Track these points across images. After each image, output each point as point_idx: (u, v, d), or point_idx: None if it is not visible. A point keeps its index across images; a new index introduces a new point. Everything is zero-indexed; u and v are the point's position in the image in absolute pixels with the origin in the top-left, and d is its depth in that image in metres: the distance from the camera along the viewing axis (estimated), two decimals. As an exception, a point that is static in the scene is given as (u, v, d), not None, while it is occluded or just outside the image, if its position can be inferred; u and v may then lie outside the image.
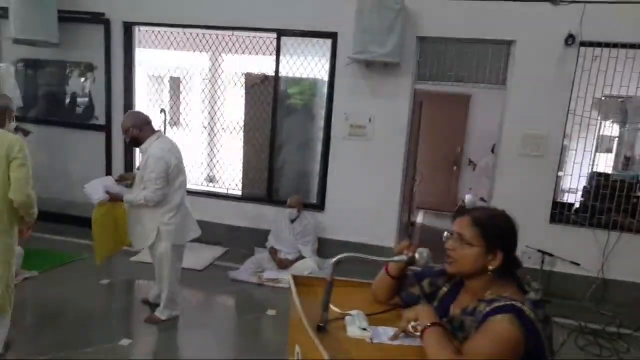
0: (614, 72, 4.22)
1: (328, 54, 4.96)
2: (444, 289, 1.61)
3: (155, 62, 5.87)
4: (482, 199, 5.58)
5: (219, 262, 5.05)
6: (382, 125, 4.83)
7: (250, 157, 5.63)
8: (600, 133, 6.50)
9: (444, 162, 7.51)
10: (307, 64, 5.16)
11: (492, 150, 5.63)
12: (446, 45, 4.63)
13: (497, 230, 1.43)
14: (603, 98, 4.99)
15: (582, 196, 4.82)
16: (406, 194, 5.39)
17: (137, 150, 3.67)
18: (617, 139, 7.16)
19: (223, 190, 5.71)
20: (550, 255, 4.38)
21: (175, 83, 6.56)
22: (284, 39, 5.07)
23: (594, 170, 4.86)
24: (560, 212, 4.60)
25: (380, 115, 4.81)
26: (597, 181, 4.61)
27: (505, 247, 1.43)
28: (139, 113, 3.59)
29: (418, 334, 1.41)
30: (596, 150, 6.39)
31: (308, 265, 4.72)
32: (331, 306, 1.61)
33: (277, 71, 5.16)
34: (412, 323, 1.43)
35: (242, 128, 5.62)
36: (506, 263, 1.43)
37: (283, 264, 4.77)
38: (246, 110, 5.58)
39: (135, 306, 3.99)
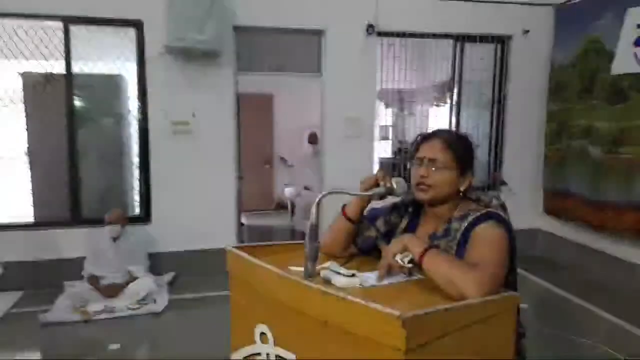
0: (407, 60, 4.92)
1: (133, 46, 4.40)
2: (405, 221, 1.55)
3: None
4: (306, 188, 5.80)
5: (17, 310, 3.94)
6: (208, 120, 4.53)
7: (42, 175, 4.57)
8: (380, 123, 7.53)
9: (256, 162, 7.54)
10: (107, 57, 4.48)
11: (310, 141, 5.91)
12: (262, 35, 4.64)
13: (468, 151, 1.44)
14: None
15: (393, 169, 5.47)
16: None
17: None
18: (391, 127, 8.43)
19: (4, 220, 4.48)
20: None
21: None
22: (74, 29, 4.28)
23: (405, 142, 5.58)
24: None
25: (205, 110, 4.51)
26: (400, 154, 5.29)
27: (472, 167, 1.45)
28: None
29: (409, 265, 1.31)
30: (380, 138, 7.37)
31: (144, 286, 4.09)
32: (290, 268, 1.39)
33: (68, 68, 4.33)
34: (399, 256, 1.32)
35: (27, 140, 4.52)
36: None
37: (110, 291, 4.01)
38: (29, 120, 4.51)
39: None
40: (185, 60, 4.36)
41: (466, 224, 1.37)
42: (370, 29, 4.66)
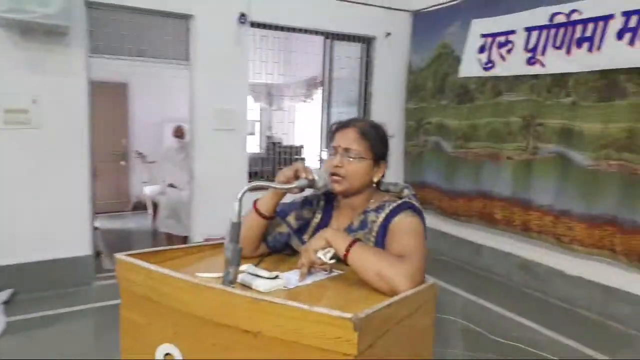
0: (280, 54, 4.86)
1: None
2: (318, 215, 1.46)
3: None
4: (171, 186, 5.37)
5: None
6: (53, 109, 3.87)
7: None
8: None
9: (109, 158, 6.75)
10: None
11: (176, 135, 5.48)
12: (121, 14, 4.13)
13: (382, 141, 1.41)
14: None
15: (262, 164, 5.38)
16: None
17: None
18: (258, 122, 8.33)
19: None
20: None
21: None
22: None
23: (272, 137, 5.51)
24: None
25: (49, 97, 3.85)
26: (273, 149, 5.23)
27: (386, 157, 1.42)
28: None
29: (332, 261, 1.23)
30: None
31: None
32: (198, 274, 1.21)
33: None
34: (321, 252, 1.24)
35: None
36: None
37: None
38: None
39: None
40: (23, 36, 3.67)
41: (384, 215, 1.35)
42: (242, 18, 4.48)
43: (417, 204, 1.39)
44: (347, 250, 1.19)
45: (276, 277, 1.17)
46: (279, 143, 5.37)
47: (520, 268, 4.29)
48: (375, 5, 5.21)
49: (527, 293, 4.13)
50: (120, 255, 1.21)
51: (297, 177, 1.30)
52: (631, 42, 3.34)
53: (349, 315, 0.87)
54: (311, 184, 1.28)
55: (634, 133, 3.41)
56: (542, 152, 4.02)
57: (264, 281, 1.15)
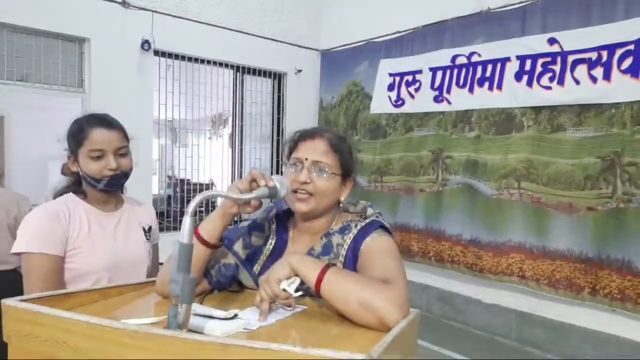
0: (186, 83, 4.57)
1: None
2: (271, 242, 1.23)
3: None
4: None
5: None
6: None
7: None
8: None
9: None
10: None
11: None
12: (2, 34, 3.58)
13: (352, 155, 1.23)
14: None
15: (168, 203, 4.92)
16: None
17: None
18: (157, 160, 7.76)
19: None
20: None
21: None
22: None
23: (173, 176, 5.09)
24: (160, 221, 4.52)
25: None
26: (181, 187, 4.83)
27: (353, 174, 1.25)
28: None
29: (298, 294, 1.01)
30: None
31: None
32: (126, 322, 0.91)
33: None
34: (286, 282, 1.01)
35: None
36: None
37: None
38: None
39: None
40: None
41: (352, 236, 1.17)
42: (145, 45, 4.16)
43: (386, 223, 1.23)
44: (320, 278, 0.98)
45: (235, 316, 0.92)
46: (187, 180, 4.97)
47: (439, 299, 4.32)
48: (284, 42, 5.20)
49: (448, 324, 4.14)
50: (9, 302, 0.87)
51: (251, 188, 1.06)
52: (529, 84, 3.65)
53: (361, 356, 0.66)
54: (273, 192, 1.05)
55: (530, 164, 3.67)
56: (451, 183, 4.17)
57: (219, 323, 0.89)
